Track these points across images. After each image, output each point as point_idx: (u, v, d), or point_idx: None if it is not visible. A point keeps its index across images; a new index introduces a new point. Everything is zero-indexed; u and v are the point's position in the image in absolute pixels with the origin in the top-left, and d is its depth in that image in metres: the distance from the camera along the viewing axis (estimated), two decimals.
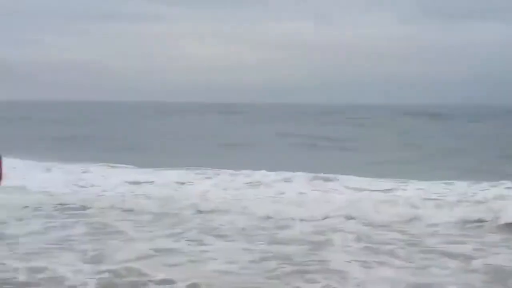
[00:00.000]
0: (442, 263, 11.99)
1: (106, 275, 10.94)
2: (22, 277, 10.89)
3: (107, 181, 21.84)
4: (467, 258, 12.30)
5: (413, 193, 19.42)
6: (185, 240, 13.74)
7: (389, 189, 20.40)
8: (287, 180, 21.52)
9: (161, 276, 10.86)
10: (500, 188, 19.99)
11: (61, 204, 17.58)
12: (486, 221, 15.63)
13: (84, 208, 17.22)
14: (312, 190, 20.48)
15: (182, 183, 21.77)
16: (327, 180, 21.60)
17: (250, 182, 21.54)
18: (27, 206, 17.12)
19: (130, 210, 17.00)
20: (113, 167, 25.19)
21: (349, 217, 16.02)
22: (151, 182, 21.81)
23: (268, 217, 16.10)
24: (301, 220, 15.81)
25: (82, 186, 20.98)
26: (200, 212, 16.84)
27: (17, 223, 15.54)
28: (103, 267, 11.35)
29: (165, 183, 21.66)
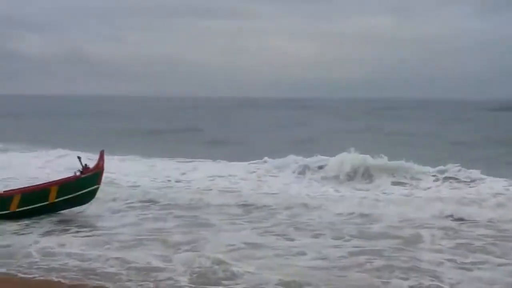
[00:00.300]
0: None
1: (197, 267, 10.92)
2: (111, 269, 11.01)
3: (191, 175, 21.89)
4: None
5: (500, 188, 18.64)
6: (274, 234, 13.64)
7: (472, 184, 19.59)
8: (369, 176, 20.99)
9: (250, 269, 10.77)
10: None
11: (150, 197, 17.73)
12: None
13: (173, 201, 17.32)
14: (393, 184, 19.99)
15: (264, 176, 21.61)
16: (411, 175, 20.92)
17: (333, 178, 20.83)
18: (116, 199, 17.42)
19: (218, 204, 16.98)
20: (192, 161, 24.96)
21: (438, 212, 15.56)
22: (234, 176, 21.72)
23: (354, 213, 15.78)
24: (387, 214, 15.43)
25: (168, 180, 21.09)
26: (285, 206, 16.59)
27: (112, 216, 15.84)
28: (195, 259, 11.30)
29: (247, 177, 21.59)
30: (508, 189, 18.36)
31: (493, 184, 19.16)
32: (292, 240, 13.13)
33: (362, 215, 15.52)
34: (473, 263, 11.36)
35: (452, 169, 20.54)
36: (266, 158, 23.20)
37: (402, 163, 20.93)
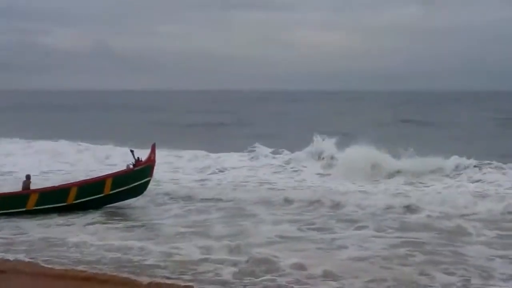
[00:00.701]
0: None
1: (239, 260, 10.75)
2: (150, 261, 10.89)
3: (228, 168, 21.88)
4: None
5: None
6: (315, 227, 13.44)
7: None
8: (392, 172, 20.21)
9: (294, 261, 10.54)
10: None
11: (191, 191, 17.56)
12: None
13: (213, 194, 17.10)
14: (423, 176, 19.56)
15: (293, 169, 21.59)
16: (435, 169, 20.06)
17: (358, 171, 20.13)
18: (159, 192, 17.29)
19: (257, 197, 16.63)
20: (226, 153, 24.00)
21: (475, 206, 15.17)
22: (267, 167, 21.83)
23: (391, 206, 15.40)
24: (425, 207, 15.08)
25: (206, 173, 21.16)
26: (319, 199, 16.20)
27: (155, 208, 15.88)
28: (237, 252, 11.23)
29: (279, 169, 21.69)
30: None
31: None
32: (334, 232, 12.92)
33: (400, 208, 15.18)
34: None
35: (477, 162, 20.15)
36: (285, 151, 23.13)
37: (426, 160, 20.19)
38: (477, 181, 18.91)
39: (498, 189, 17.73)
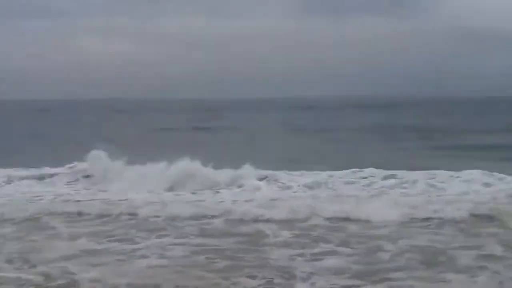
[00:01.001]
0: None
1: (33, 279, 10.26)
2: None
3: (16, 182, 20.86)
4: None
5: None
6: (114, 239, 13.17)
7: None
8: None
9: (91, 275, 10.32)
10: None
11: None
12: None
13: (7, 211, 15.83)
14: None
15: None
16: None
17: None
18: None
19: (50, 211, 15.95)
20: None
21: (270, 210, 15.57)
22: (60, 177, 21.39)
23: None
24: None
25: None
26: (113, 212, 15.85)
27: None
28: (30, 270, 10.71)
29: (73, 181, 21.27)
30: None
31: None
32: (135, 242, 12.76)
33: (199, 215, 15.37)
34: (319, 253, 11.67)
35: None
36: (74, 163, 22.49)
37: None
38: (263, 179, 20.13)
39: (287, 192, 18.79)
